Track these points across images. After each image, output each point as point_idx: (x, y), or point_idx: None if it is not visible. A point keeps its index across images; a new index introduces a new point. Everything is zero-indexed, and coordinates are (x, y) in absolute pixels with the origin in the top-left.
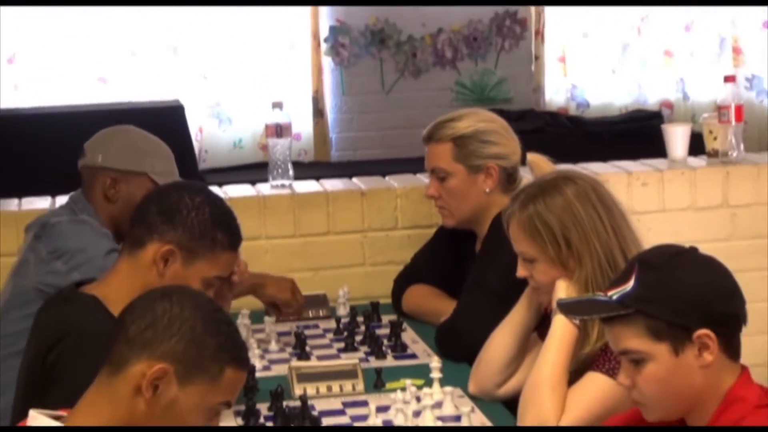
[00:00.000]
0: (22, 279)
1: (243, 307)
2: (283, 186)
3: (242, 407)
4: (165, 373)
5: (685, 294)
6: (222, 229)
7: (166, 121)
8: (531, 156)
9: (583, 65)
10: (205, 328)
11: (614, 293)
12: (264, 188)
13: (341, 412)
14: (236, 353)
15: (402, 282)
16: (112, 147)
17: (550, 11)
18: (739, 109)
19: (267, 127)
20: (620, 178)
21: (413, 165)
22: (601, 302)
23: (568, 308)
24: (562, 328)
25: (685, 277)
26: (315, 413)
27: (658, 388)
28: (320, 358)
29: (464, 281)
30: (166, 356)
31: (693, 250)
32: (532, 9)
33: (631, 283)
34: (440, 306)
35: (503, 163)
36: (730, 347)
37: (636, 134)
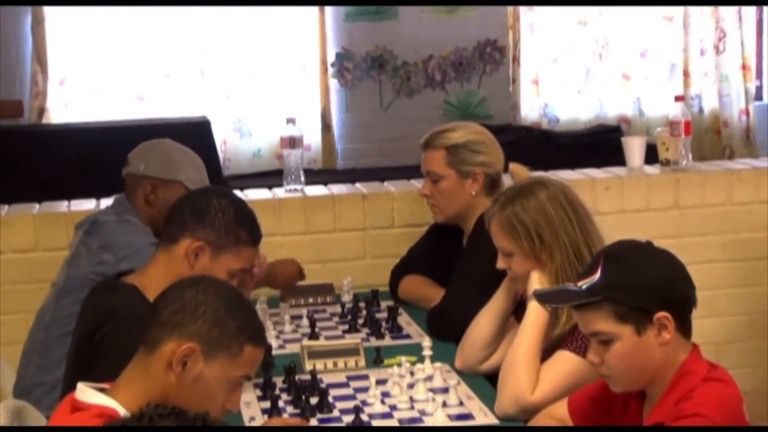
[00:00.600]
0: (75, 269)
1: (261, 294)
2: (295, 190)
3: (261, 380)
4: (192, 351)
5: (646, 282)
6: (245, 227)
7: (195, 135)
8: (512, 165)
9: (553, 86)
10: (227, 311)
11: (583, 283)
12: (279, 192)
13: (346, 385)
14: (254, 333)
15: (398, 272)
16: (152, 158)
17: (525, 40)
18: (687, 125)
19: (282, 139)
20: (586, 184)
21: (408, 172)
22: (573, 292)
23: (544, 297)
24: (535, 313)
25: (645, 267)
26: (323, 385)
27: (623, 363)
28: (327, 338)
29: (452, 272)
30: (193, 336)
31: (650, 244)
32: (510, 38)
33: (598, 274)
34: (431, 293)
35: (488, 171)
36: (684, 327)
37: (598, 146)
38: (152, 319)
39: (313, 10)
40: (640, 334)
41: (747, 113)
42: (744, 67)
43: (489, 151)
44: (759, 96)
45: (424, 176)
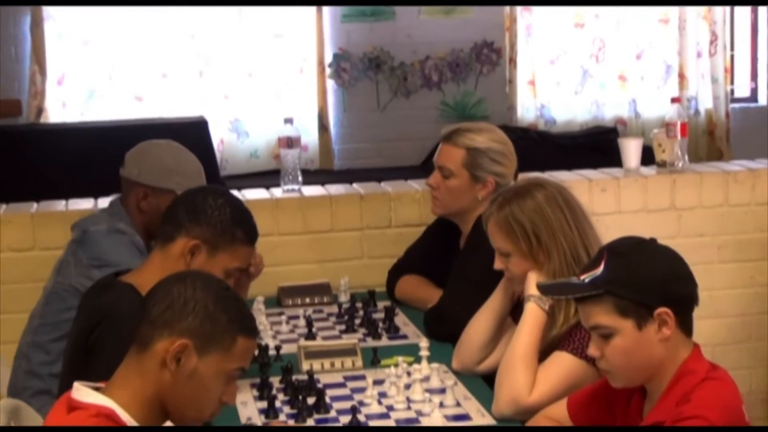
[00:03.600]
0: (63, 277)
1: (258, 294)
2: (293, 190)
3: (257, 380)
4: (185, 347)
5: (648, 276)
6: (241, 226)
7: (192, 135)
8: (521, 176)
9: (549, 87)
10: (217, 305)
11: (586, 277)
12: (276, 192)
13: (342, 385)
14: (245, 324)
15: (395, 273)
16: (146, 163)
17: (522, 42)
18: (684, 126)
19: (279, 139)
20: (582, 185)
21: (405, 172)
22: (576, 284)
23: (547, 289)
24: (533, 314)
25: (647, 262)
26: (320, 386)
27: (623, 358)
28: (325, 338)
29: (449, 272)
30: (184, 332)
31: (653, 241)
32: (506, 39)
33: (601, 268)
34: (428, 294)
35: (500, 181)
36: (685, 324)
37: (595, 147)
38: (142, 317)
39: (310, 11)
40: (640, 329)
41: (727, 115)
42: (726, 70)
43: (507, 162)
44: (753, 97)
45: (435, 167)
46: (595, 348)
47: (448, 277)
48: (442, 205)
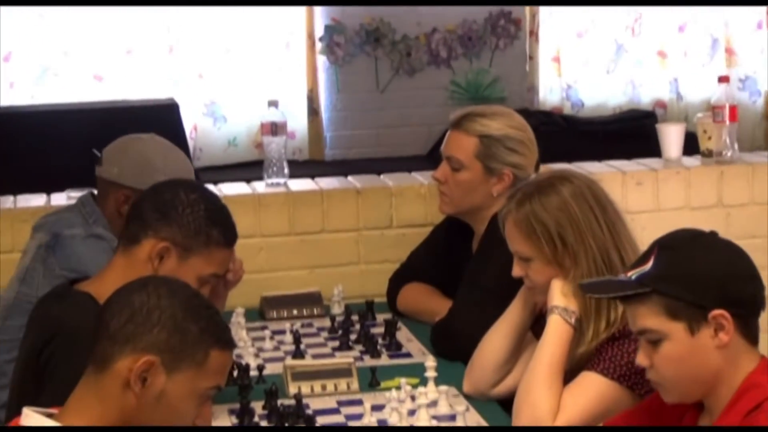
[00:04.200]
0: (29, 287)
1: (238, 305)
2: (278, 184)
3: (237, 406)
4: (151, 365)
5: (701, 273)
6: (217, 226)
7: (161, 120)
8: (543, 169)
9: (577, 65)
10: (185, 314)
11: (633, 273)
12: (259, 186)
13: (336, 411)
14: (219, 335)
15: (397, 280)
16: (128, 162)
17: (544, 11)
18: (733, 110)
19: (262, 125)
20: (615, 178)
21: (408, 163)
22: (620, 282)
23: (589, 288)
24: (557, 328)
25: (701, 258)
26: (309, 412)
27: (674, 367)
28: (315, 356)
29: (460, 280)
30: (150, 348)
31: (713, 234)
32: (527, 9)
33: (650, 264)
34: (435, 305)
35: (519, 173)
36: (748, 331)
37: (630, 134)
38: (99, 332)
39: None
40: (693, 334)
41: None
42: None
43: (526, 152)
44: None
45: (443, 158)
46: (644, 356)
47: (460, 285)
48: (452, 202)
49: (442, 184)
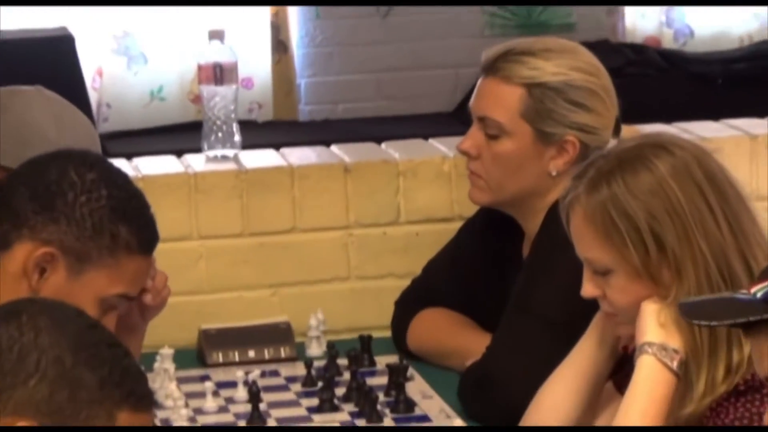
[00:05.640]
0: None
1: (164, 343)
2: (225, 158)
3: None
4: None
5: None
6: (127, 222)
7: (49, 59)
8: (628, 132)
9: None
10: (77, 358)
11: (759, 289)
12: (196, 161)
13: None
14: (131, 389)
15: (408, 305)
16: (4, 132)
17: None
18: None
19: (200, 68)
20: (740, 145)
21: (424, 125)
22: (740, 302)
23: (691, 311)
24: (651, 376)
25: None
26: None
27: None
28: (282, 420)
29: (503, 304)
30: (23, 407)
31: None
32: None
33: None
34: (465, 341)
35: (589, 139)
36: None
37: (763, 78)
38: None
39: None
40: None
41: None
42: None
43: (599, 107)
44: None
45: (473, 119)
46: None
47: (503, 311)
48: (488, 186)
49: (473, 159)
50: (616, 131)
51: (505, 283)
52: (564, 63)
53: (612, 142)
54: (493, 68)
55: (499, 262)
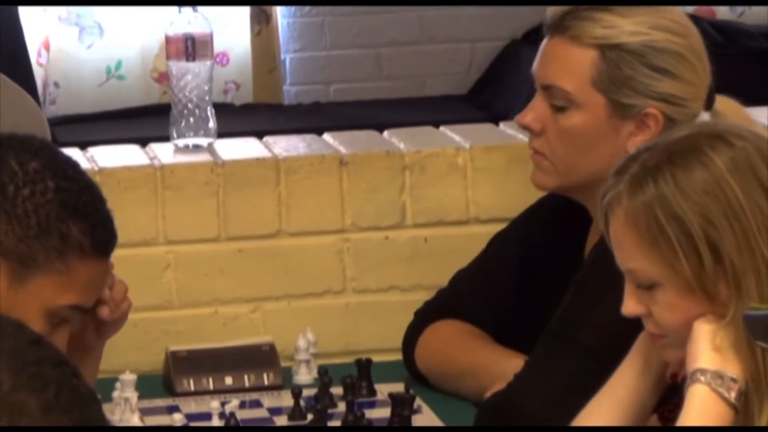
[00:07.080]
0: None
1: (125, 367)
2: (197, 148)
3: None
4: None
5: None
6: (78, 219)
7: None
8: (723, 103)
9: None
10: (17, 380)
11: None
12: (163, 152)
13: None
14: (80, 415)
15: (425, 315)
16: None
17: None
18: None
19: (168, 40)
20: None
21: (434, 109)
22: None
23: (755, 327)
24: (705, 408)
25: None
26: None
27: None
28: None
29: (545, 321)
30: None
31: None
32: None
33: None
34: (482, 357)
35: (675, 112)
36: None
37: None
38: None
39: None
40: None
41: None
42: None
43: (687, 72)
44: None
45: (537, 88)
46: None
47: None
48: (554, 167)
49: (536, 135)
50: (709, 103)
51: (555, 289)
52: (645, 20)
53: (704, 116)
54: (560, 26)
55: (563, 266)
